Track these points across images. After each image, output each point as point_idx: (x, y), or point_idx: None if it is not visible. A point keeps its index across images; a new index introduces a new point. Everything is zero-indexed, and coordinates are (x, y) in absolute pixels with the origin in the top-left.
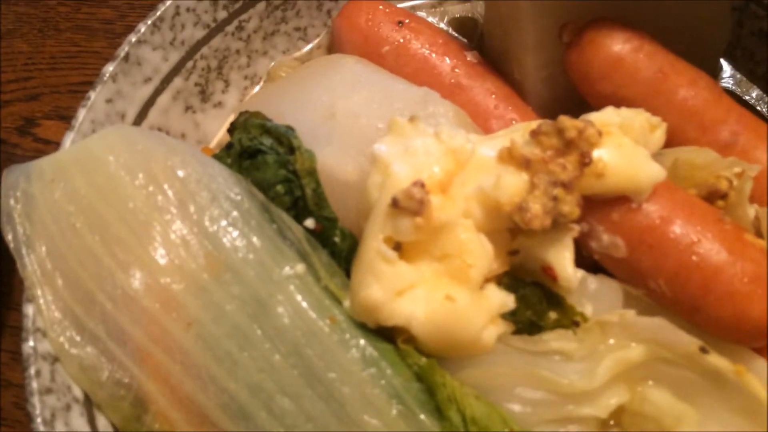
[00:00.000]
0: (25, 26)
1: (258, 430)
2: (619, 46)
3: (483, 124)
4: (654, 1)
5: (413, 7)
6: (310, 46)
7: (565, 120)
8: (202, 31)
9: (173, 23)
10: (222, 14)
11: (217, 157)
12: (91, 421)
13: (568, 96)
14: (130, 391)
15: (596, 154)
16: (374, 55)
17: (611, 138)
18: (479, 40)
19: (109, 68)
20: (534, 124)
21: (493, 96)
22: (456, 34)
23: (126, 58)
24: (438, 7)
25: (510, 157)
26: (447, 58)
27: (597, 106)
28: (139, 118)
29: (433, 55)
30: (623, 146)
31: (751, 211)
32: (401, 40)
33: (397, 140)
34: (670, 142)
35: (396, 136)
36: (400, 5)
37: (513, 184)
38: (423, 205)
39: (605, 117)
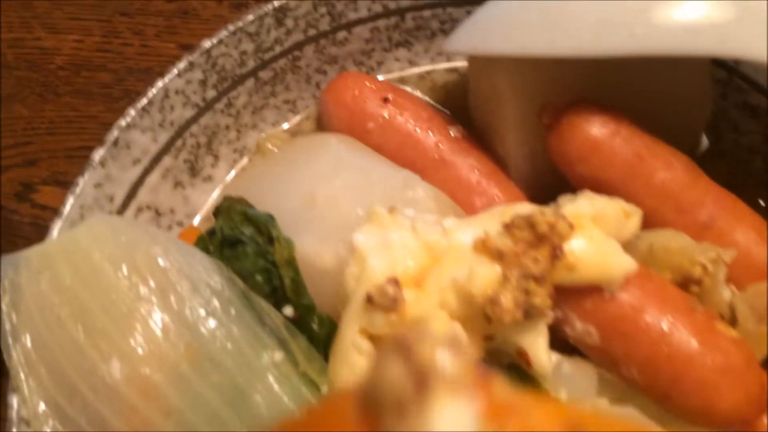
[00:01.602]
0: (25, 90)
1: None
2: (596, 130)
3: (466, 200)
4: (635, 79)
5: (401, 78)
6: (299, 117)
7: (536, 214)
8: (191, 111)
9: (162, 106)
10: (211, 93)
11: (201, 241)
12: None
13: (551, 171)
14: None
15: (568, 247)
16: (359, 130)
17: (583, 231)
18: (461, 110)
19: (99, 153)
20: (510, 210)
21: (477, 171)
22: (441, 108)
23: (115, 143)
24: (426, 77)
25: (484, 248)
26: (431, 133)
27: (577, 187)
28: (128, 199)
29: (417, 130)
30: (595, 239)
31: (727, 293)
32: (386, 116)
33: (375, 231)
34: (648, 223)
35: (374, 227)
36: (387, 76)
37: (485, 276)
38: (396, 302)
39: (578, 208)
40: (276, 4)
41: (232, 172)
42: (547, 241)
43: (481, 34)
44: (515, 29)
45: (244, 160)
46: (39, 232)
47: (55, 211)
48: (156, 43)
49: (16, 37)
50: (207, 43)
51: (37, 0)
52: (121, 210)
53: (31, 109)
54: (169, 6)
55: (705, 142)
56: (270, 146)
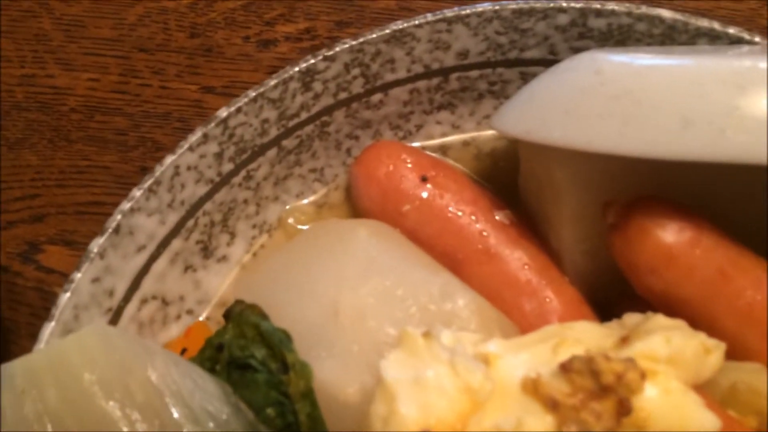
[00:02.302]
0: (35, 135)
1: None
2: (672, 237)
3: (513, 302)
4: (719, 176)
5: (443, 145)
6: (326, 188)
7: (600, 361)
8: (204, 188)
9: (172, 184)
10: (228, 167)
11: (207, 356)
12: None
13: (612, 269)
14: None
15: (638, 401)
16: (393, 213)
17: (657, 380)
18: (515, 189)
19: (98, 243)
20: (566, 332)
21: (526, 268)
22: (486, 184)
23: (116, 230)
24: (471, 144)
25: (536, 391)
26: (475, 219)
27: (644, 298)
28: (130, 291)
29: (459, 214)
30: (671, 392)
31: None
32: (424, 197)
33: (406, 361)
34: (730, 353)
35: (406, 355)
36: (426, 143)
37: (537, 429)
38: None
39: (652, 349)
40: (303, 66)
41: (251, 251)
42: (612, 393)
43: (535, 116)
44: (579, 117)
45: (264, 237)
46: (43, 299)
47: (62, 276)
48: (176, 84)
49: (27, 74)
50: (224, 112)
51: (53, 31)
52: (123, 305)
53: (40, 156)
54: (191, 42)
55: None
56: (292, 221)
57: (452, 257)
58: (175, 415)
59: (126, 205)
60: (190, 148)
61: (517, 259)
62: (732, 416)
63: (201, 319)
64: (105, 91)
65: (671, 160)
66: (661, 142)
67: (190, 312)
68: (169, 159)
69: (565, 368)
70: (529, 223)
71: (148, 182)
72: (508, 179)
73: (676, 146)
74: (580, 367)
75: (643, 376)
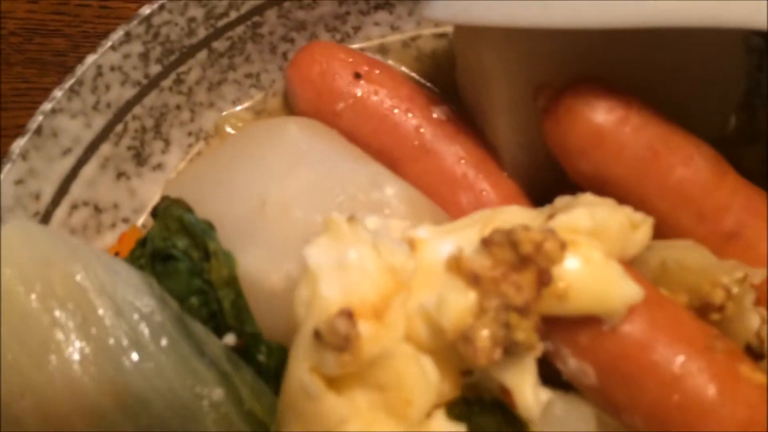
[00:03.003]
0: None
1: None
2: (601, 116)
3: (450, 197)
4: (648, 54)
5: (382, 46)
6: (263, 94)
7: (519, 230)
8: (131, 90)
9: (95, 85)
10: (155, 69)
11: (134, 254)
12: None
13: (550, 162)
14: None
15: (558, 271)
16: (328, 112)
17: (578, 250)
18: (451, 86)
19: (19, 144)
20: (498, 216)
21: (463, 162)
22: (427, 83)
23: (38, 131)
24: (411, 44)
25: (458, 269)
26: (411, 116)
27: (577, 184)
28: (59, 195)
29: (395, 111)
30: (592, 262)
31: (755, 320)
32: (359, 95)
33: (330, 245)
34: (661, 231)
35: (331, 240)
36: (365, 44)
37: (458, 305)
38: (349, 340)
39: (574, 221)
40: None
41: (187, 159)
42: (532, 264)
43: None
44: None
45: (201, 145)
46: None
47: None
48: (117, 3)
49: None
50: (146, 10)
51: None
52: (51, 209)
53: None
54: None
55: (734, 123)
56: (229, 129)
57: (389, 155)
58: (99, 308)
59: (47, 106)
60: (113, 47)
61: (454, 154)
62: (663, 294)
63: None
64: (44, 13)
65: (595, 29)
66: (583, 12)
67: (126, 220)
68: (91, 58)
69: (486, 242)
70: (468, 119)
71: (69, 82)
72: (450, 79)
73: (598, 15)
74: (501, 239)
75: (563, 246)
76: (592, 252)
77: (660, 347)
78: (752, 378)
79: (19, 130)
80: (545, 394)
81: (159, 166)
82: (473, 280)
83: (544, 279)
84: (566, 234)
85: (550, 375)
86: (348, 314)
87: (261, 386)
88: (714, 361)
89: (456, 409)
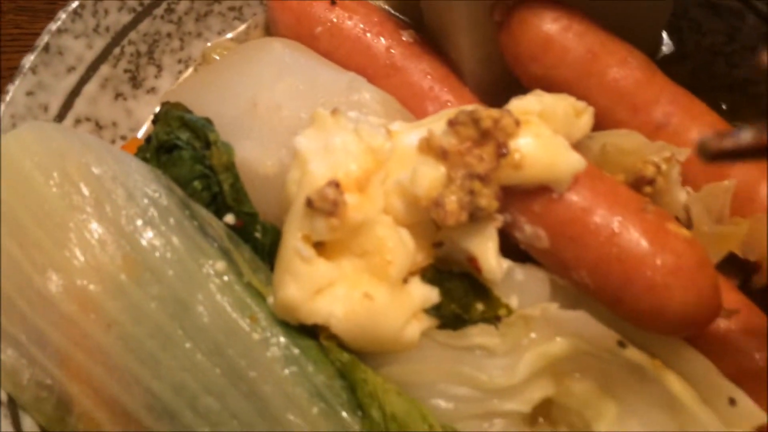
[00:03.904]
0: None
1: (184, 429)
2: (548, 25)
3: (418, 107)
4: None
5: None
6: (246, 25)
7: (480, 110)
8: (127, 16)
9: (95, 9)
10: None
11: (139, 151)
12: (16, 423)
13: (508, 77)
14: (53, 393)
15: (513, 144)
16: (307, 36)
17: (530, 127)
18: (419, 17)
19: (29, 59)
20: (455, 111)
21: (429, 77)
22: (395, 12)
23: (46, 48)
24: None
25: (428, 148)
26: (382, 38)
27: (530, 89)
28: (64, 109)
29: (368, 34)
30: (542, 136)
31: (682, 194)
32: (334, 20)
33: (317, 134)
34: (601, 124)
35: (317, 130)
36: None
37: (430, 177)
38: (337, 206)
39: (525, 105)
40: None
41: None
42: (491, 138)
43: None
44: None
45: (190, 71)
46: None
47: None
48: None
49: None
50: None
51: None
52: (58, 121)
53: None
54: None
55: (667, 44)
56: (216, 56)
57: (363, 73)
58: (111, 192)
59: (53, 26)
60: None
61: (421, 71)
62: (604, 174)
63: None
64: None
65: None
66: None
67: (123, 138)
68: None
69: (452, 122)
70: (433, 42)
71: (73, 5)
72: (417, 11)
73: None
74: (464, 119)
75: (518, 123)
76: (541, 128)
77: (600, 210)
78: (679, 233)
79: (14, 72)
80: (506, 263)
81: (152, 90)
82: (442, 155)
83: (501, 151)
84: (520, 115)
85: (510, 252)
86: (335, 183)
87: (258, 262)
88: (645, 220)
89: (429, 275)
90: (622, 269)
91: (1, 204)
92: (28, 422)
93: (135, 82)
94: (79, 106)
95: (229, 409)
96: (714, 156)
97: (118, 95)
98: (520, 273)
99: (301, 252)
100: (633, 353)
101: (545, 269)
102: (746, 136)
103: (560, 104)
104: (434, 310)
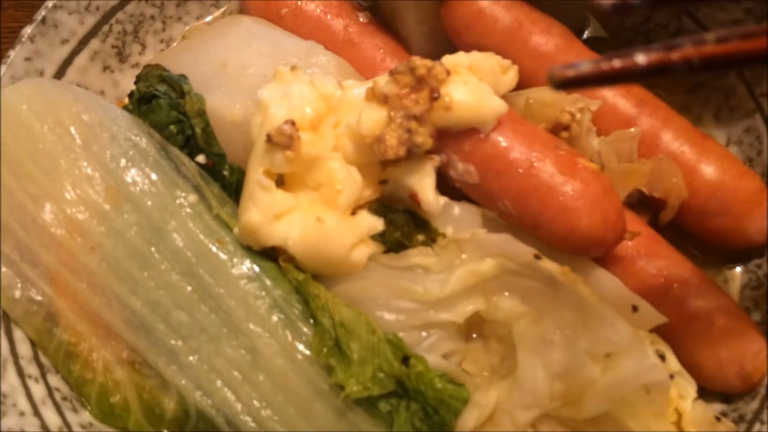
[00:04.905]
0: None
1: (158, 340)
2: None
3: (372, 75)
4: None
5: None
6: (221, 11)
7: (416, 60)
8: None
9: None
10: None
11: (124, 107)
12: (9, 334)
13: (450, 49)
14: (42, 307)
15: (444, 90)
16: (274, 16)
17: (459, 76)
18: (374, 2)
19: (27, 30)
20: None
21: (381, 50)
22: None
23: (43, 21)
24: None
25: (373, 95)
26: (340, 19)
27: None
28: (58, 76)
29: (328, 16)
30: (469, 83)
31: (595, 140)
32: (298, 3)
33: (278, 87)
34: (527, 84)
35: (279, 83)
36: None
37: (373, 118)
38: (293, 140)
39: (455, 59)
40: None
41: None
42: (425, 84)
43: None
44: None
45: None
46: None
47: None
48: None
49: None
50: None
51: None
52: None
53: None
54: None
55: (594, 24)
56: None
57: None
58: (100, 138)
59: (50, 3)
60: None
61: (374, 45)
62: (525, 120)
63: None
64: None
65: None
66: None
67: None
68: None
69: (392, 72)
70: (386, 22)
71: None
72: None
73: None
74: (403, 69)
75: (448, 72)
76: (469, 77)
77: (521, 147)
78: (588, 166)
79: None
80: (443, 199)
81: (137, 65)
82: (384, 100)
83: (434, 95)
84: (450, 66)
85: (447, 194)
86: (291, 122)
87: (225, 198)
88: (559, 156)
89: (375, 207)
90: (539, 197)
91: (1, 145)
92: (19, 334)
93: (121, 57)
94: (71, 75)
95: (199, 322)
96: (560, 83)
97: (105, 68)
98: (456, 208)
99: (262, 182)
100: (547, 263)
101: (476, 205)
102: (586, 66)
103: (487, 60)
104: (380, 237)
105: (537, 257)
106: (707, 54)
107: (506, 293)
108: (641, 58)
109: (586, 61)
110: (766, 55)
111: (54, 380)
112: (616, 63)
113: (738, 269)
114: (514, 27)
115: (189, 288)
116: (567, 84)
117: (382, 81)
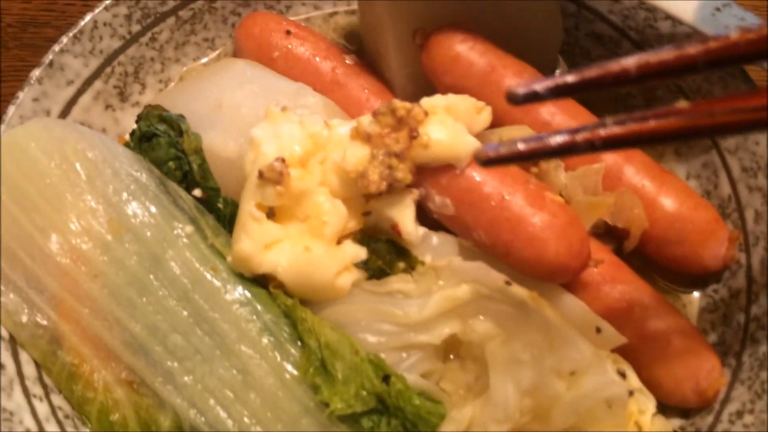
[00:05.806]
0: None
1: (156, 362)
2: (457, 45)
3: (357, 114)
4: (493, 10)
5: (308, 19)
6: (216, 53)
7: (396, 102)
8: (118, 42)
9: (92, 35)
10: (136, 27)
11: (125, 143)
12: (15, 356)
13: (431, 90)
14: (47, 331)
15: (423, 129)
16: (266, 59)
17: (436, 117)
18: (360, 46)
19: (36, 73)
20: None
21: (366, 90)
22: (341, 41)
23: (50, 64)
24: (330, 19)
25: (357, 134)
26: (328, 61)
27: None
28: (63, 115)
29: (317, 58)
30: (445, 123)
31: (562, 175)
32: (289, 47)
33: (270, 126)
34: (500, 122)
35: (270, 122)
36: (294, 18)
37: (357, 155)
38: (282, 176)
39: (433, 101)
40: None
41: None
42: (405, 124)
43: None
44: None
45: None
46: None
47: None
48: (99, 3)
49: None
50: None
51: None
52: None
53: None
54: None
55: (563, 66)
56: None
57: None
58: (103, 174)
59: (57, 47)
60: (106, 8)
61: (360, 86)
62: None
63: None
64: (36, 10)
65: None
66: None
67: None
68: (89, 15)
69: (375, 113)
70: (371, 65)
71: (74, 31)
72: (358, 40)
73: None
74: (384, 110)
75: (426, 113)
76: (445, 117)
77: (493, 182)
78: (555, 199)
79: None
80: (422, 230)
81: (137, 104)
82: (367, 138)
83: (413, 134)
84: (428, 107)
85: (426, 225)
86: (281, 159)
87: (220, 229)
88: (528, 190)
89: (359, 237)
90: (510, 227)
91: (10, 179)
92: (25, 356)
93: (122, 96)
94: (75, 113)
95: (194, 344)
96: (518, 100)
97: (108, 106)
98: (434, 237)
99: (254, 214)
100: (517, 289)
101: (453, 235)
102: (542, 84)
103: (463, 102)
104: (363, 265)
105: (508, 283)
106: (605, 136)
107: (480, 316)
108: (553, 140)
109: (541, 79)
110: (656, 137)
111: (57, 399)
112: (531, 144)
113: (696, 294)
114: (488, 70)
115: (185, 313)
116: (490, 163)
117: (366, 121)
